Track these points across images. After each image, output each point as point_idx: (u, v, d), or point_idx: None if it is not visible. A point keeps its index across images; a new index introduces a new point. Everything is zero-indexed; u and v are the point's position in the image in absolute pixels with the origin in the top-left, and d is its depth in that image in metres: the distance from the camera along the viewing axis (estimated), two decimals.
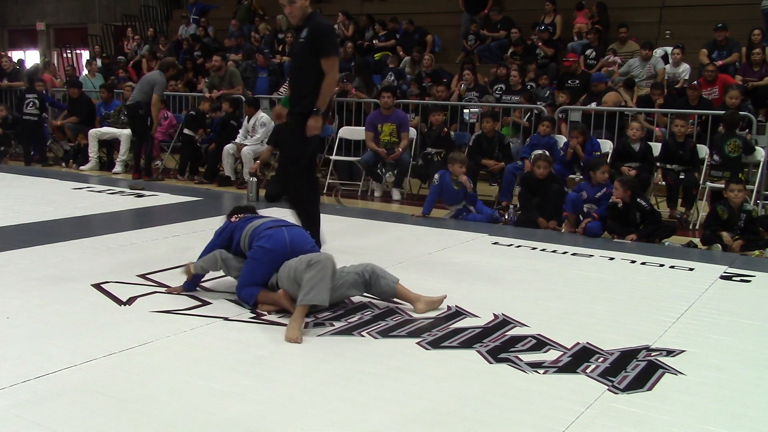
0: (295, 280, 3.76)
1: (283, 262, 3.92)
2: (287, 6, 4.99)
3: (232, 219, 4.26)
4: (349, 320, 3.78)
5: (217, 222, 5.43)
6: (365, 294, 4.06)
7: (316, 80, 4.96)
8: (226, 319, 3.74)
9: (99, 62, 14.70)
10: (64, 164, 10.80)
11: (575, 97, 9.40)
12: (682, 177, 7.30)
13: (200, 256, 4.25)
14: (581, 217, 6.51)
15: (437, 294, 4.17)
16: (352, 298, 4.11)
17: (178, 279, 4.34)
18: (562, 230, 6.58)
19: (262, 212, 4.54)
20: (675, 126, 7.53)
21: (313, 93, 4.98)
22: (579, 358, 3.32)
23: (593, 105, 8.93)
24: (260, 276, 3.95)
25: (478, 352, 3.38)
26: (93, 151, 10.42)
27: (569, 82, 9.85)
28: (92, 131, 10.46)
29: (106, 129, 10.53)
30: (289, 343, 3.42)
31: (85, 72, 15.11)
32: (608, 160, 7.66)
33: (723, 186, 6.79)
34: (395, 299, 4.07)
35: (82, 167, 10.36)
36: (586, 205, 6.51)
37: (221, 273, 4.21)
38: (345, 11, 13.53)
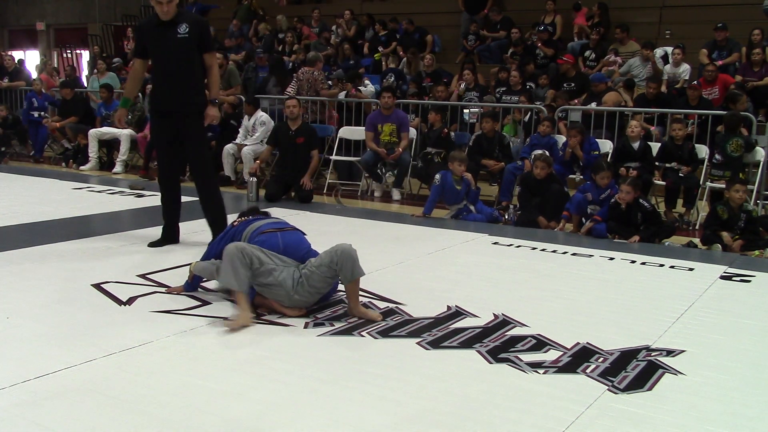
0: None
1: None
2: (165, 5, 5.05)
3: (235, 223, 4.27)
4: (349, 320, 3.78)
5: None
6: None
7: (201, 76, 5.27)
8: (226, 319, 3.74)
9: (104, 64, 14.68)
10: (64, 164, 10.80)
11: (571, 100, 9.40)
12: (681, 176, 7.29)
13: (202, 258, 4.26)
14: (583, 219, 6.51)
15: (437, 294, 4.21)
16: None
17: (178, 279, 4.34)
18: (556, 229, 6.57)
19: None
20: (673, 130, 7.53)
21: (202, 89, 5.30)
22: (579, 358, 3.32)
23: (593, 105, 8.94)
24: None
25: (478, 352, 3.38)
26: (93, 151, 10.40)
27: (565, 85, 9.85)
28: (92, 131, 10.45)
29: (106, 129, 10.52)
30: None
31: (85, 72, 15.11)
32: (608, 160, 7.66)
33: (723, 186, 6.79)
34: (392, 299, 4.07)
35: (82, 167, 10.36)
36: (589, 207, 6.51)
37: None
38: (351, 10, 13.55)
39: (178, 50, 5.13)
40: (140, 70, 5.52)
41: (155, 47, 5.19)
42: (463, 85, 10.20)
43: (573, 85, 9.83)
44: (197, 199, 5.44)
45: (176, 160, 5.52)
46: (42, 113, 11.67)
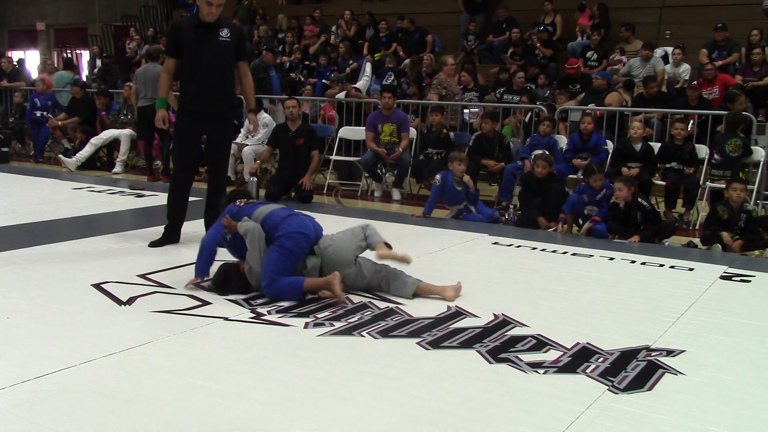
0: (357, 248, 4.19)
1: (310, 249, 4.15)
2: (215, 6, 5.03)
3: (237, 202, 4.34)
4: (349, 320, 3.78)
5: None
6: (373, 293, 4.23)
7: (234, 81, 5.35)
8: (226, 319, 3.75)
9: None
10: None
11: (574, 99, 9.40)
12: (683, 176, 7.28)
13: (202, 255, 4.26)
14: (580, 220, 6.51)
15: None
16: (352, 298, 4.13)
17: (178, 279, 4.34)
18: (553, 229, 6.58)
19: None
20: (674, 129, 7.53)
21: (234, 93, 5.40)
22: (579, 358, 3.32)
23: (592, 105, 8.93)
24: (293, 266, 4.05)
25: (478, 352, 3.38)
26: (83, 155, 10.31)
27: (570, 86, 9.84)
28: (93, 139, 10.37)
29: (106, 132, 10.49)
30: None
31: (85, 72, 15.14)
32: (608, 161, 7.67)
33: (723, 186, 6.79)
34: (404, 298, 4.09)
35: (67, 160, 10.24)
36: (587, 208, 6.51)
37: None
38: (351, 10, 13.55)
39: (220, 53, 5.15)
40: (173, 69, 5.34)
41: (196, 48, 5.11)
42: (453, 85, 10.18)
43: (578, 86, 9.83)
44: (198, 199, 5.45)
45: (196, 161, 5.60)
46: (45, 113, 11.65)
